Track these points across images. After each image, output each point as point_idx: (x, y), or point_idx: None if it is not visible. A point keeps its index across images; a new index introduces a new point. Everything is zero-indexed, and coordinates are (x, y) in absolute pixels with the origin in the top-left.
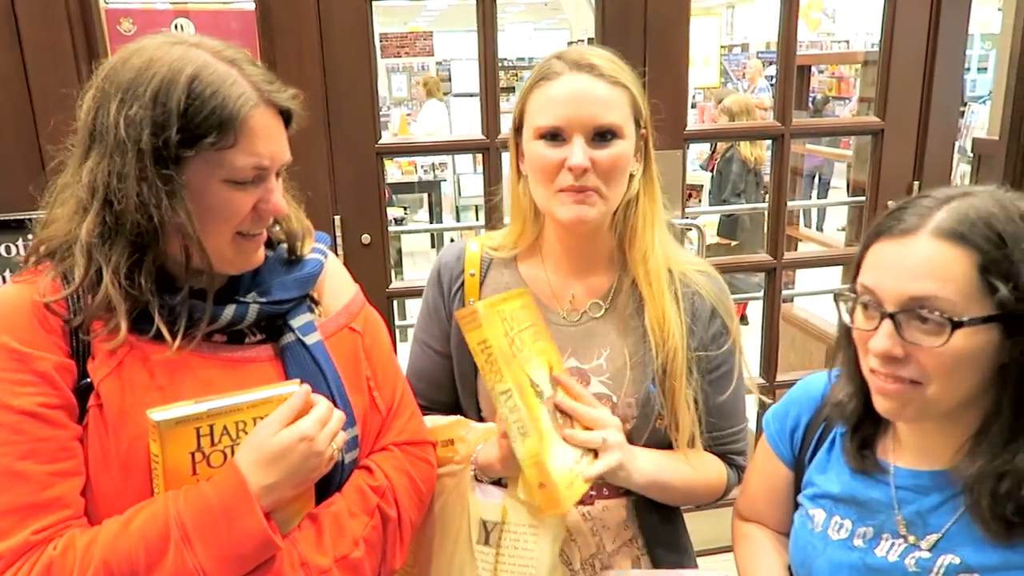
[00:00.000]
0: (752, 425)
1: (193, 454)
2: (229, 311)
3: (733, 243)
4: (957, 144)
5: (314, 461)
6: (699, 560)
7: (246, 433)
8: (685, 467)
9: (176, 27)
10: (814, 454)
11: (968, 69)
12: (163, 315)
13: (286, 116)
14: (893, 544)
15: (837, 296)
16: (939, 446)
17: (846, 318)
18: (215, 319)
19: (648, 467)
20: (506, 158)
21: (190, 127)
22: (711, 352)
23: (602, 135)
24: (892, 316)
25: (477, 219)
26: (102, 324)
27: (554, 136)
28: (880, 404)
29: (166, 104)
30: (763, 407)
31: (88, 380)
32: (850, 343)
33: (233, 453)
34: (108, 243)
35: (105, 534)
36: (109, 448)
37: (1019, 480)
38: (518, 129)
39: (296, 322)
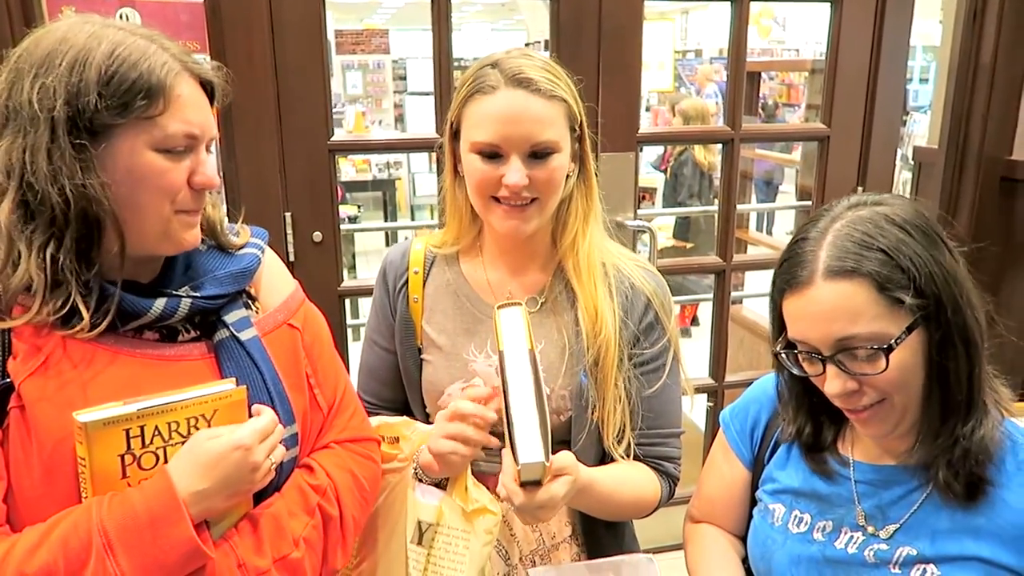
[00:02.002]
0: (702, 425)
1: (123, 456)
2: (160, 304)
3: (688, 245)
4: (899, 152)
5: (248, 473)
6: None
7: (180, 434)
8: (630, 481)
9: (122, 17)
10: (774, 451)
11: (910, 80)
12: (87, 300)
13: (209, 91)
14: (852, 537)
15: (778, 355)
16: (897, 441)
17: (796, 371)
18: (144, 312)
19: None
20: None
21: (117, 94)
22: (642, 344)
23: (539, 152)
24: (832, 358)
25: (432, 218)
26: (23, 310)
27: (492, 154)
28: (863, 431)
29: (84, 73)
30: (713, 413)
31: (8, 381)
32: (792, 382)
33: (166, 454)
34: (29, 225)
35: (23, 543)
36: (31, 451)
37: (968, 445)
38: (455, 134)
39: (230, 318)
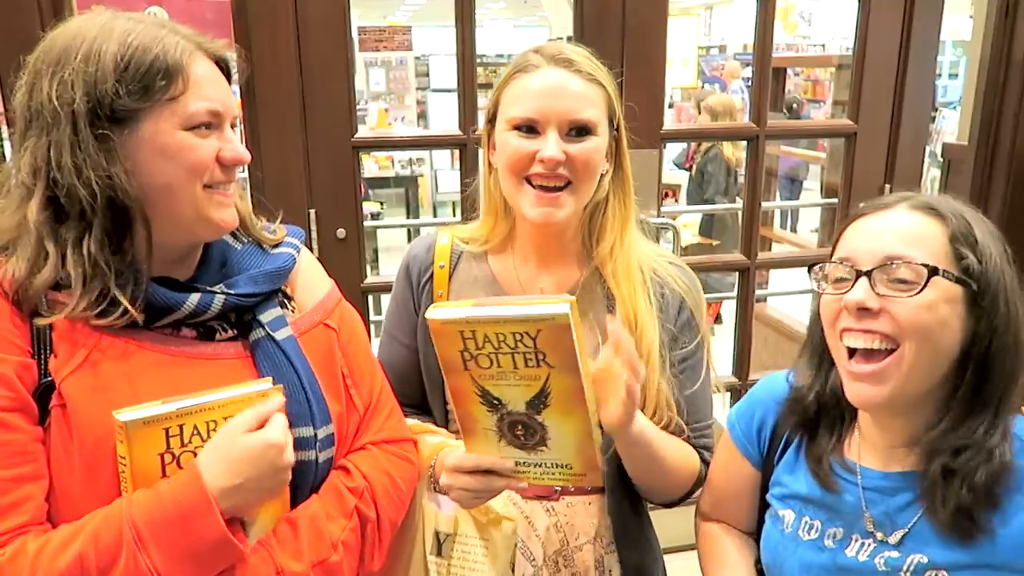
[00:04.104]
0: (723, 423)
1: (162, 455)
2: (193, 299)
3: (715, 243)
4: (928, 149)
5: (279, 471)
6: (666, 558)
7: (217, 433)
8: (670, 442)
9: (149, 15)
10: (782, 454)
11: (939, 75)
12: (123, 291)
13: (226, 71)
14: (863, 544)
15: (811, 267)
16: (904, 441)
17: (818, 286)
18: (179, 306)
19: (644, 424)
20: (482, 155)
21: (136, 79)
22: (679, 344)
23: (577, 130)
24: (868, 273)
25: (454, 215)
26: (60, 307)
27: (529, 128)
28: (853, 391)
29: (100, 61)
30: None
31: (49, 379)
32: (821, 331)
33: None
34: (61, 222)
35: (57, 538)
36: (72, 450)
37: (979, 455)
38: (491, 120)
39: (265, 317)
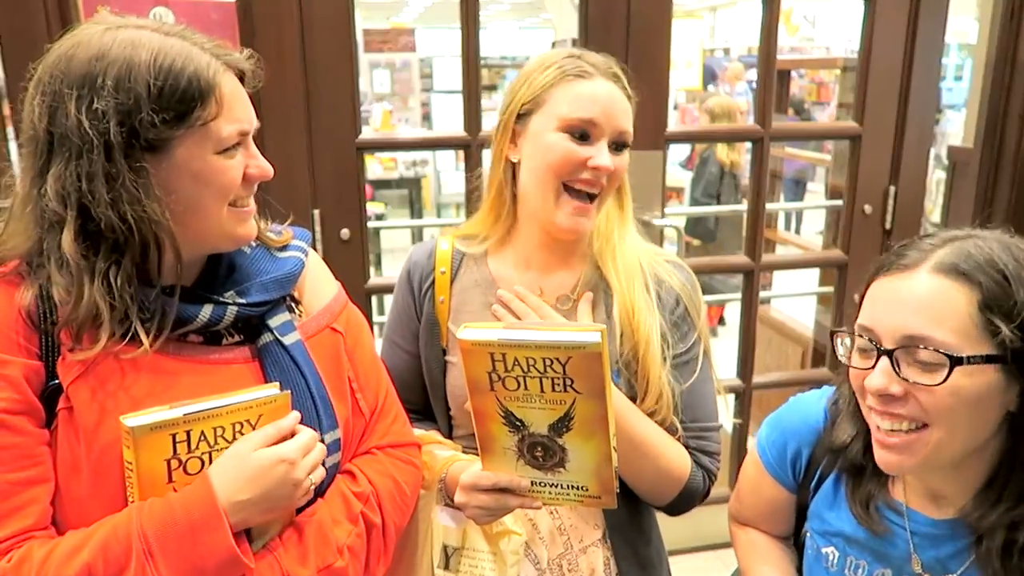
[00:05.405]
0: (728, 426)
1: (169, 461)
2: (206, 311)
3: (696, 242)
4: (932, 151)
5: (289, 488)
6: (672, 560)
7: (225, 439)
8: (651, 426)
9: (155, 16)
10: (819, 484)
11: (944, 78)
12: (140, 316)
13: (242, 78)
14: None
15: (834, 334)
16: (951, 492)
17: (842, 355)
18: (191, 319)
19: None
20: (487, 155)
21: (171, 106)
22: (673, 338)
23: (619, 144)
24: (889, 354)
25: (458, 216)
26: (91, 338)
27: (582, 134)
28: (882, 457)
29: (131, 89)
30: (741, 414)
31: (57, 382)
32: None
33: (211, 460)
34: (91, 252)
35: (64, 546)
36: (80, 454)
37: None
38: (521, 115)
39: (274, 322)
